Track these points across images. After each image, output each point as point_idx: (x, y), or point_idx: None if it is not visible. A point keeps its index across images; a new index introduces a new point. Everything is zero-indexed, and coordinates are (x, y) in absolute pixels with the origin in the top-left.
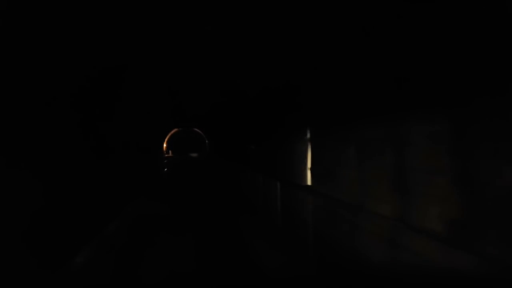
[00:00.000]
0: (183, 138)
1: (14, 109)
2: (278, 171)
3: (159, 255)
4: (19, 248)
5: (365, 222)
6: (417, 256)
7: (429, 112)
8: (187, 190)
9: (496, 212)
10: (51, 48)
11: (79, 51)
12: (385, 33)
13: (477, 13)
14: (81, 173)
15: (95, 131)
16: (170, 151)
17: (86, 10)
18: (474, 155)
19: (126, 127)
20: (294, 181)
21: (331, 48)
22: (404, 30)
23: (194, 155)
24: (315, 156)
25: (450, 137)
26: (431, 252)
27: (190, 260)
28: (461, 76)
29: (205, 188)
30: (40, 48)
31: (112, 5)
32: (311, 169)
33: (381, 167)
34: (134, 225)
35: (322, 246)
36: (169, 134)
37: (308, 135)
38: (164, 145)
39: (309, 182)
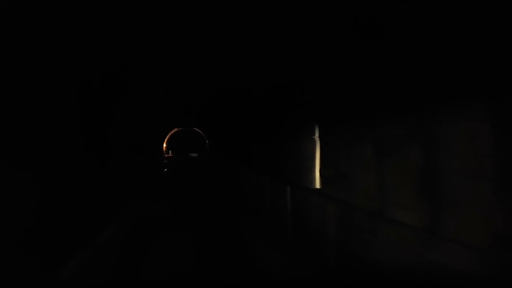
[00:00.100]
0: (183, 138)
1: (14, 109)
2: (282, 172)
3: (159, 255)
4: (19, 248)
5: (387, 231)
6: (453, 273)
7: (468, 105)
8: (188, 192)
9: None
10: (54, 50)
11: (81, 53)
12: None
13: None
14: (80, 174)
15: (95, 131)
16: (170, 151)
17: (86, 10)
18: None
19: (126, 127)
20: (300, 183)
21: (343, 34)
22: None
23: (195, 155)
24: (325, 156)
25: (494, 135)
26: (472, 271)
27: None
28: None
29: (206, 190)
30: (43, 50)
31: (112, 5)
32: (320, 170)
33: (406, 169)
34: (134, 226)
35: (345, 258)
36: (169, 134)
37: (317, 134)
38: (164, 145)
39: (317, 185)
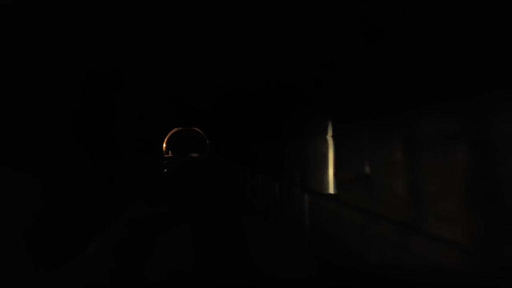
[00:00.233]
0: (183, 138)
1: (14, 110)
2: (290, 174)
3: (159, 256)
4: (19, 248)
5: (426, 249)
6: None
7: None
8: (188, 194)
9: None
10: (53, 51)
11: (79, 53)
12: None
13: None
14: (81, 174)
15: (95, 132)
16: (170, 151)
17: (85, 11)
18: None
19: (126, 127)
20: (311, 188)
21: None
22: None
23: (195, 155)
24: (340, 158)
25: None
26: None
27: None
28: None
29: (207, 192)
30: (42, 51)
31: (112, 5)
32: (335, 174)
33: (450, 174)
34: (134, 226)
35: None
36: (169, 134)
37: (330, 133)
38: (164, 145)
39: (331, 190)
